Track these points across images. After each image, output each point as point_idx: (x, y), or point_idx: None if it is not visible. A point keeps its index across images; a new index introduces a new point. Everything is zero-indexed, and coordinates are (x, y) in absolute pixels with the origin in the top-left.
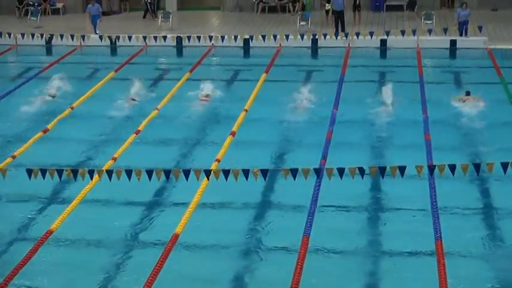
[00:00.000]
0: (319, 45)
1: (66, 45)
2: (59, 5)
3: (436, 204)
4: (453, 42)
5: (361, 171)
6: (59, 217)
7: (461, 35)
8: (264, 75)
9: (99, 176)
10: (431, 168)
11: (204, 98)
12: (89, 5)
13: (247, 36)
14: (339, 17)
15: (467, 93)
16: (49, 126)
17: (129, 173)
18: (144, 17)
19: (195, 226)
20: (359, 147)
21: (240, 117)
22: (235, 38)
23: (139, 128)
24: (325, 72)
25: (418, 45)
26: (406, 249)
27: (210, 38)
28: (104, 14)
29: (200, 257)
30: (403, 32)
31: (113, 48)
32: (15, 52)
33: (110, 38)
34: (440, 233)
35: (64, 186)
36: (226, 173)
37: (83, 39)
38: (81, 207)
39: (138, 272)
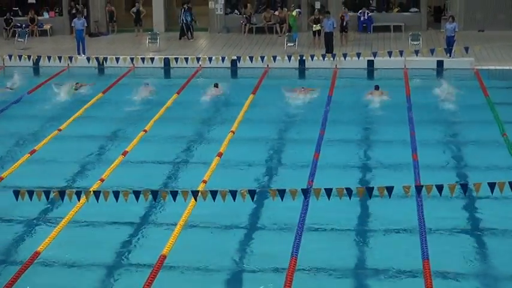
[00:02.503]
0: (306, 67)
1: (54, 67)
2: (47, 27)
3: (424, 223)
4: (440, 63)
5: (349, 191)
6: (46, 238)
7: (446, 52)
8: (251, 96)
9: (87, 197)
10: (418, 188)
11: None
12: (75, 19)
13: (234, 57)
14: (328, 39)
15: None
16: (36, 148)
17: (116, 194)
18: (180, 38)
19: (183, 247)
20: (346, 168)
21: (226, 138)
22: (223, 59)
23: (127, 149)
24: (312, 93)
25: (405, 66)
26: (393, 268)
27: (198, 59)
28: (92, 35)
29: (188, 277)
30: (390, 53)
31: (101, 70)
32: (3, 73)
33: (97, 59)
34: (427, 252)
35: (51, 207)
36: (213, 193)
37: (71, 61)
38: (68, 228)
39: None
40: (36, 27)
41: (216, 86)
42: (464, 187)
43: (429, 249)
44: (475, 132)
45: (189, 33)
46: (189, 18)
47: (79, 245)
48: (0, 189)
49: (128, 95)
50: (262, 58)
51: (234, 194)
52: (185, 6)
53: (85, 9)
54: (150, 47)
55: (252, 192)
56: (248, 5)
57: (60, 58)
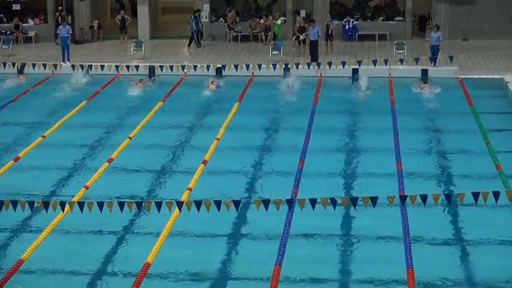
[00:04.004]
0: (291, 75)
1: (39, 74)
2: (31, 34)
3: (408, 233)
4: (425, 72)
5: (333, 201)
6: (30, 246)
7: (431, 60)
8: (236, 105)
9: (71, 207)
10: (402, 198)
11: None
12: (60, 26)
13: (219, 65)
14: (313, 47)
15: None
16: (20, 155)
17: (100, 204)
18: (189, 45)
19: (167, 255)
20: (331, 176)
21: (212, 146)
22: (208, 67)
23: (112, 157)
24: (297, 102)
25: (390, 75)
26: (377, 277)
27: (183, 67)
28: (76, 42)
29: (172, 285)
30: (374, 62)
31: (85, 77)
32: None
33: (82, 66)
34: (411, 261)
35: (35, 215)
36: (198, 204)
37: (55, 68)
38: (52, 237)
39: None
40: (20, 34)
41: (212, 82)
42: (449, 197)
43: (413, 258)
44: (459, 141)
45: (198, 42)
46: (199, 26)
47: (63, 253)
48: None
49: (113, 103)
50: (248, 66)
51: (218, 204)
52: (196, 14)
53: (69, 17)
54: (135, 54)
55: (236, 203)
56: (230, 13)
57: (44, 65)
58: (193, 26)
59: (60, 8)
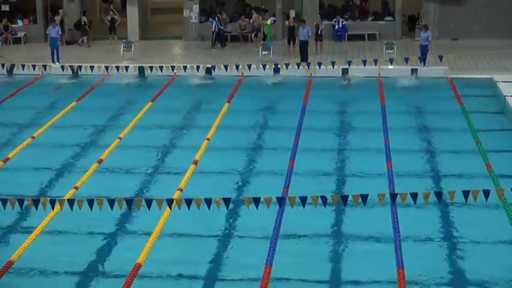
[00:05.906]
0: (281, 75)
1: (28, 75)
2: (21, 35)
3: (399, 232)
4: (414, 72)
5: (324, 200)
6: (20, 247)
7: (420, 60)
8: (226, 105)
9: (61, 205)
10: (393, 197)
11: None
12: (50, 27)
13: (209, 66)
14: (303, 47)
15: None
16: (10, 156)
17: (90, 202)
18: (213, 46)
19: (158, 256)
20: (321, 176)
21: (202, 146)
22: (198, 67)
23: (102, 157)
24: (287, 102)
25: (379, 74)
26: (367, 277)
27: (173, 67)
28: (67, 43)
29: (163, 286)
30: (364, 62)
31: (75, 78)
32: None
33: (71, 67)
34: (402, 261)
35: (25, 215)
36: (188, 202)
37: (45, 69)
38: (42, 237)
39: None
40: (9, 34)
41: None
42: (439, 195)
43: (404, 257)
44: (449, 141)
45: (221, 42)
46: (221, 26)
47: (52, 253)
48: None
49: (103, 103)
50: (237, 66)
51: (208, 202)
52: (218, 15)
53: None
54: (124, 55)
55: (226, 201)
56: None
57: (34, 66)
58: (215, 27)
59: (59, 11)
